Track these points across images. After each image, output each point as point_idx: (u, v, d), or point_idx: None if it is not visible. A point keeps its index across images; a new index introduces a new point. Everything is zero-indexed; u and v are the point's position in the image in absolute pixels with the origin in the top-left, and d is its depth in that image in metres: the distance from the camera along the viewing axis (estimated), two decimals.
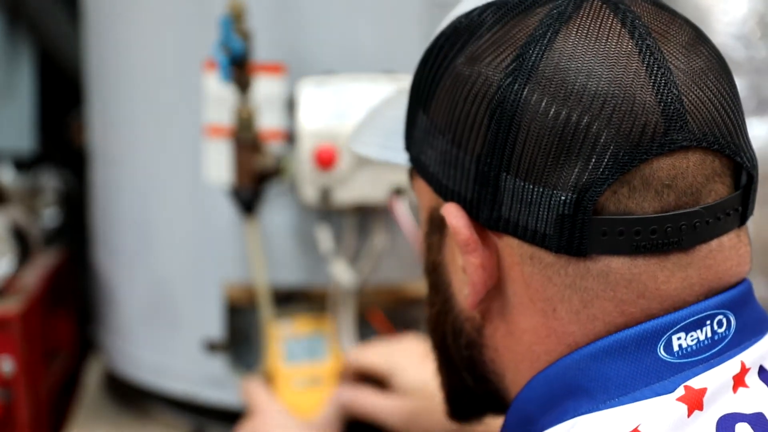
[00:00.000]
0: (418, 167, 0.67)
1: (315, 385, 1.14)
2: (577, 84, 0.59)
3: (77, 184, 1.58)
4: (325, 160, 1.04)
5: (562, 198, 0.59)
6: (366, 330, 1.16)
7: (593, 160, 0.58)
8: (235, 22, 1.02)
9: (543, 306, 0.62)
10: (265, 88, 1.12)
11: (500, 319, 0.65)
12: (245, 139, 1.07)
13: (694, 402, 0.59)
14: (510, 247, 0.62)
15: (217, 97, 1.14)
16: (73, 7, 1.47)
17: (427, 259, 0.69)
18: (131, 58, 1.22)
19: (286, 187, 1.13)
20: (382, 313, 1.16)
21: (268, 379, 1.13)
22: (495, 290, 0.64)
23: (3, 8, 1.53)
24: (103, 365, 1.42)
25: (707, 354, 0.60)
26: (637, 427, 0.57)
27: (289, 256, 1.15)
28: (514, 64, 0.60)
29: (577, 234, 0.59)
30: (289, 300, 1.17)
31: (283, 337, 1.15)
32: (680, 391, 0.59)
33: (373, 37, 1.13)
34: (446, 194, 0.64)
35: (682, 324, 0.60)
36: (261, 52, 1.08)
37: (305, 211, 1.14)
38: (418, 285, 1.18)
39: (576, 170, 0.58)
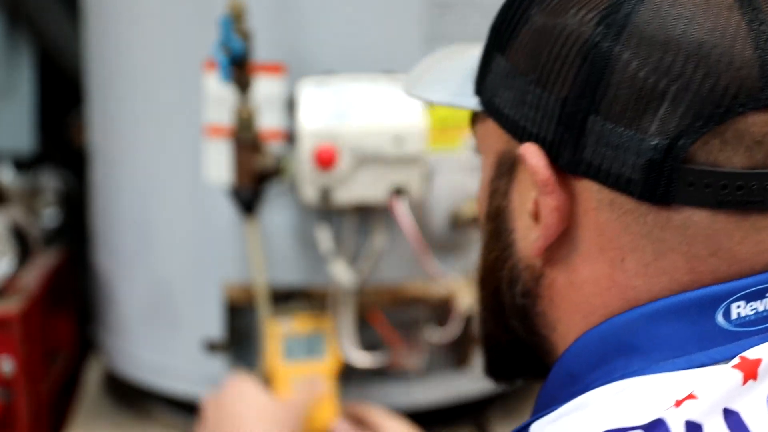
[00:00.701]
0: (491, 110, 0.67)
1: (313, 383, 1.14)
2: (678, 30, 0.59)
3: (77, 184, 1.58)
4: (325, 160, 1.04)
5: (653, 143, 0.58)
6: (366, 330, 1.16)
7: (689, 108, 0.58)
8: (235, 22, 1.02)
9: (612, 255, 0.62)
10: (265, 88, 1.12)
11: (562, 268, 0.64)
12: (245, 139, 1.07)
13: (749, 372, 0.58)
14: (588, 191, 0.61)
15: (217, 97, 1.14)
16: (73, 7, 1.47)
17: (490, 204, 0.68)
18: (131, 57, 1.22)
19: (286, 187, 1.13)
20: (381, 313, 1.16)
21: (268, 378, 1.13)
22: (564, 237, 0.63)
23: (3, 8, 1.53)
24: (103, 365, 1.42)
25: (763, 326, 0.60)
26: (692, 392, 0.57)
27: (289, 256, 1.15)
28: (611, 5, 0.60)
29: (663, 181, 0.59)
30: (288, 300, 1.17)
31: (282, 335, 1.15)
32: (736, 359, 0.59)
33: (373, 37, 1.13)
34: (523, 136, 0.63)
35: (745, 292, 0.60)
36: (261, 52, 1.08)
37: (305, 211, 1.14)
38: (418, 285, 1.18)
39: (670, 117, 0.58)
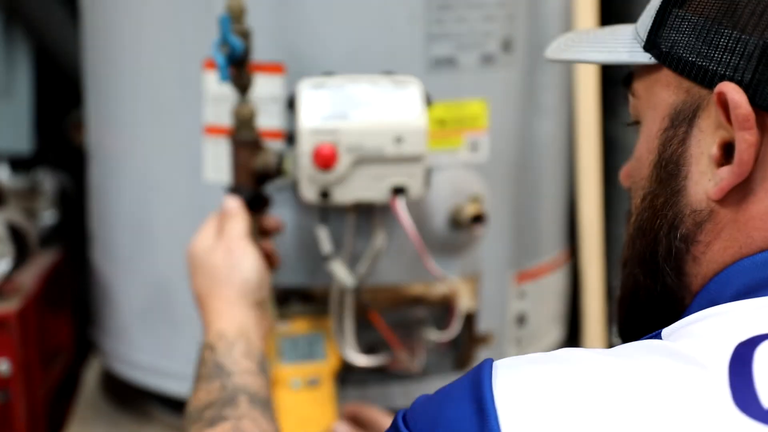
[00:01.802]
0: (671, 61, 0.70)
1: (313, 385, 1.13)
2: None
3: (75, 184, 1.57)
4: (324, 160, 1.03)
5: None
6: (366, 330, 1.16)
7: None
8: (235, 22, 1.02)
9: None
10: (265, 88, 1.12)
11: (733, 207, 0.67)
12: (245, 138, 1.07)
13: None
14: None
15: (217, 97, 1.14)
16: (71, 6, 1.46)
17: (660, 154, 0.71)
18: (131, 56, 1.22)
19: (286, 187, 1.12)
20: (381, 314, 1.16)
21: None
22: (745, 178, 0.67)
23: (0, 7, 1.53)
24: (101, 366, 1.41)
25: None
26: None
27: (289, 256, 1.15)
28: None
29: None
30: (288, 300, 1.17)
31: (282, 335, 1.14)
32: None
33: (373, 37, 1.13)
34: (713, 80, 0.67)
35: None
36: (261, 52, 1.08)
37: (305, 211, 1.14)
38: (418, 285, 1.18)
39: None
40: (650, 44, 0.72)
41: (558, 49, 0.82)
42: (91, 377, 1.43)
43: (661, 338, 0.65)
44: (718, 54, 0.66)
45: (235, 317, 0.99)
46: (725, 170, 0.66)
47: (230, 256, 1.01)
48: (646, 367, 0.60)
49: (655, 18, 0.72)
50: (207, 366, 0.96)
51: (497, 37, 1.17)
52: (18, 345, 1.25)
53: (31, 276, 1.34)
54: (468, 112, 1.17)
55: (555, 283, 1.35)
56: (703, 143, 0.68)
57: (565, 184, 1.37)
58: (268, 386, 0.97)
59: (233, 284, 1.00)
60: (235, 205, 1.05)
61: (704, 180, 0.68)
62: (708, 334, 0.62)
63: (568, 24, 1.32)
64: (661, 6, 0.72)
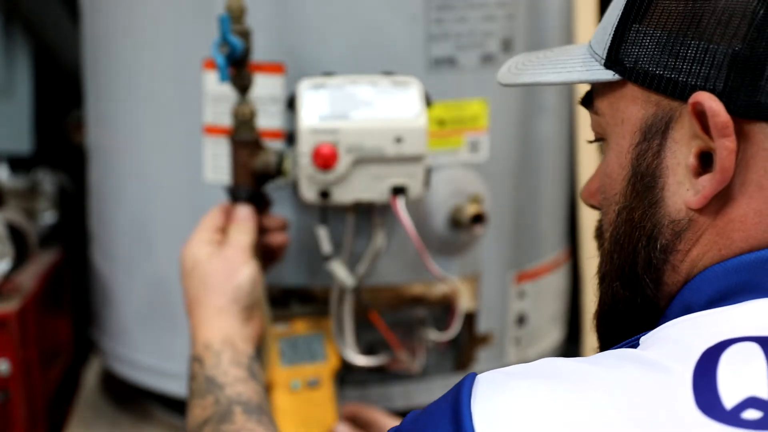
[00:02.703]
0: (636, 76, 0.70)
1: (313, 386, 1.13)
2: None
3: (75, 184, 1.57)
4: (324, 160, 1.03)
5: None
6: (366, 330, 1.16)
7: None
8: (235, 21, 1.02)
9: None
10: (265, 88, 1.12)
11: (712, 214, 0.68)
12: (245, 138, 1.07)
13: None
14: (762, 133, 0.65)
15: (217, 97, 1.14)
16: (71, 5, 1.46)
17: (634, 168, 0.72)
18: (131, 56, 1.21)
19: (286, 187, 1.12)
20: (381, 314, 1.15)
21: (267, 381, 1.12)
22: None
23: (0, 7, 1.52)
24: (101, 366, 1.41)
25: None
26: None
27: (289, 256, 1.15)
28: None
29: None
30: (288, 300, 1.17)
31: (281, 337, 1.14)
32: None
33: (373, 37, 1.12)
34: (685, 91, 0.67)
35: None
36: (261, 52, 1.08)
37: (305, 211, 1.14)
38: (418, 285, 1.18)
39: None
40: (611, 61, 0.72)
41: (509, 73, 0.81)
42: (91, 377, 1.43)
43: (638, 344, 0.66)
44: (687, 65, 0.67)
45: (220, 325, 1.00)
46: (706, 179, 0.67)
47: (228, 265, 1.02)
48: (617, 379, 0.61)
49: (615, 34, 0.72)
50: (198, 381, 0.97)
51: (497, 37, 1.17)
52: (17, 345, 1.25)
53: (30, 276, 1.34)
54: (468, 112, 1.17)
55: (555, 283, 1.35)
56: (679, 154, 0.69)
57: (565, 183, 1.37)
58: (259, 389, 0.98)
59: (224, 292, 1.01)
60: (246, 214, 1.06)
61: (682, 190, 0.69)
62: (677, 339, 0.63)
63: (568, 23, 1.32)
64: (619, 23, 0.72)
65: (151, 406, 1.33)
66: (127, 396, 1.36)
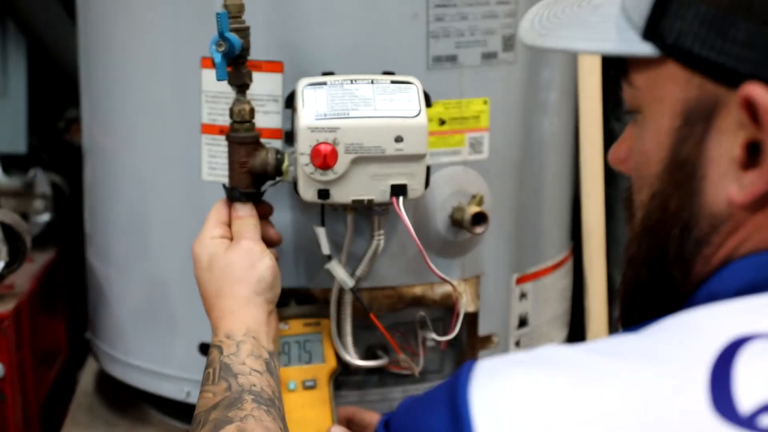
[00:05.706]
0: (679, 55, 0.65)
1: (309, 387, 1.13)
2: None
3: (70, 183, 1.56)
4: (323, 160, 1.02)
5: None
6: (366, 331, 1.15)
7: None
8: (233, 20, 1.01)
9: None
10: (264, 87, 1.11)
11: (753, 211, 0.64)
12: (243, 137, 1.06)
13: None
14: None
15: (216, 95, 1.13)
16: (67, 4, 1.45)
17: (675, 153, 0.67)
18: (127, 55, 1.21)
19: (285, 186, 1.11)
20: (380, 315, 1.15)
21: None
22: None
23: None
24: (97, 368, 1.40)
25: None
26: None
27: (288, 256, 1.14)
28: None
29: None
30: (287, 301, 1.16)
31: (279, 338, 1.13)
32: None
33: (373, 35, 1.12)
34: (733, 78, 0.62)
35: None
36: (259, 50, 1.07)
37: (305, 211, 1.13)
38: (418, 286, 1.17)
39: None
40: (650, 33, 0.67)
41: (533, 31, 0.75)
42: (87, 379, 1.43)
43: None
44: (736, 49, 0.62)
45: (244, 317, 0.99)
46: (754, 175, 0.63)
47: (249, 256, 1.01)
48: (621, 370, 0.59)
49: (656, 3, 0.66)
50: (212, 367, 0.95)
51: (498, 35, 1.16)
52: (11, 347, 1.24)
53: (25, 277, 1.33)
54: (469, 111, 1.16)
55: (557, 284, 1.34)
56: (724, 144, 0.64)
57: (567, 183, 1.36)
58: (274, 385, 0.96)
59: (248, 282, 1.00)
60: (247, 212, 1.05)
61: (725, 182, 0.65)
62: (697, 327, 0.61)
63: None
64: None
65: (148, 409, 1.32)
66: (123, 398, 1.35)
